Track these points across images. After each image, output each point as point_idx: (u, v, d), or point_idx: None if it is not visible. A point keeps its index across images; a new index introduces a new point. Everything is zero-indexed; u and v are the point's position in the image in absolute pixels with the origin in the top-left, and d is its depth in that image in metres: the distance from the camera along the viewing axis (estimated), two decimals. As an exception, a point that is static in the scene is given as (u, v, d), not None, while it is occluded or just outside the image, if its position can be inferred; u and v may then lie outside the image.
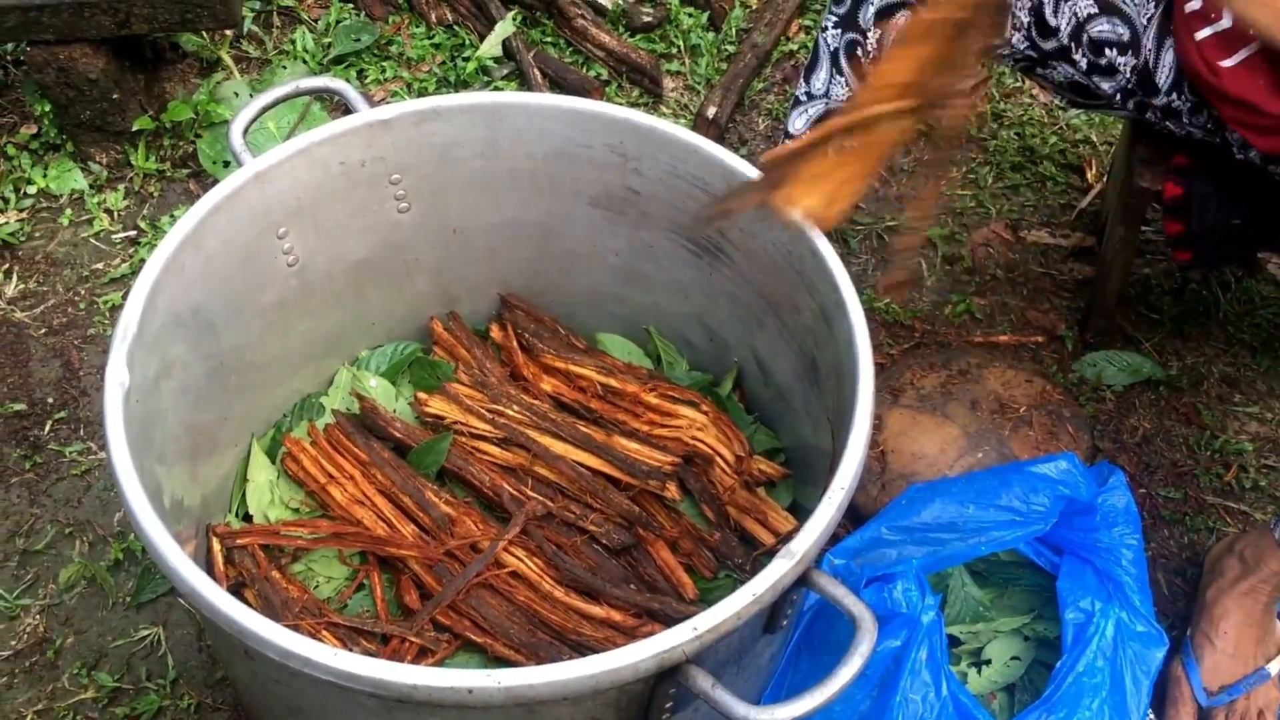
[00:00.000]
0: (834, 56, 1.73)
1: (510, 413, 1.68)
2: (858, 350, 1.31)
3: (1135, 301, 2.21)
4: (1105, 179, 2.36)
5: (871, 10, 1.68)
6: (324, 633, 1.43)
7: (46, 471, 1.93)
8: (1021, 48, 1.72)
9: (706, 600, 1.56)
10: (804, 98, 1.79)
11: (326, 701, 1.19)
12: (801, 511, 1.70)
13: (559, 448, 1.63)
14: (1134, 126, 1.88)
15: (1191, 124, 1.71)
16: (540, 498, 1.61)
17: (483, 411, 1.68)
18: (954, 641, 1.66)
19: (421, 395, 1.72)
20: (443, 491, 1.62)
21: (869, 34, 1.71)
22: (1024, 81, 2.59)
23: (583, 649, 1.45)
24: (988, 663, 1.65)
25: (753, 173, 1.49)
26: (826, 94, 1.76)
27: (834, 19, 1.72)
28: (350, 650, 1.20)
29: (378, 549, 1.54)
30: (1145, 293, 2.23)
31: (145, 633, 1.76)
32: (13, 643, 1.75)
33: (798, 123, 1.80)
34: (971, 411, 1.94)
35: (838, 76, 1.74)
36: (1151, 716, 1.67)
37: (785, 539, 1.41)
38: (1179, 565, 1.90)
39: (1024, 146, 2.47)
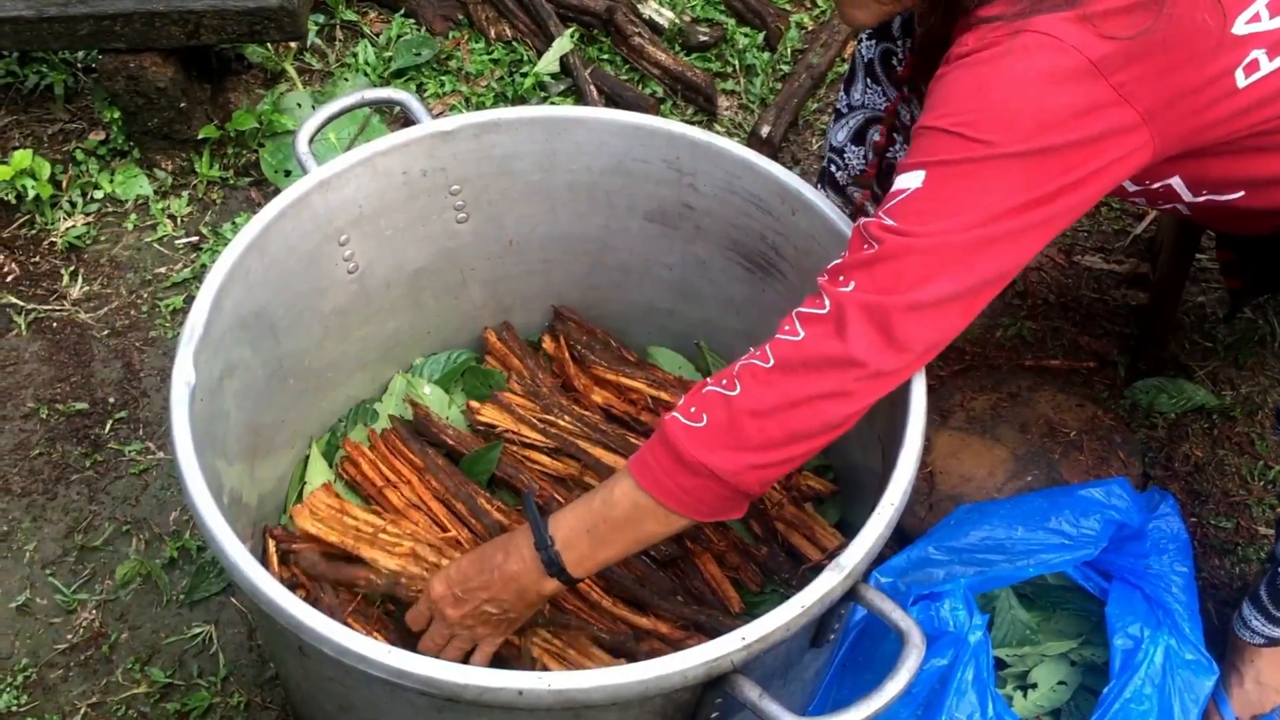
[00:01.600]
0: (869, 67, 1.74)
1: (562, 423, 1.69)
2: (910, 368, 1.31)
3: (1189, 329, 2.19)
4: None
5: (898, 20, 1.69)
6: (375, 633, 1.45)
7: (106, 470, 1.97)
8: None
9: (752, 615, 1.56)
10: (845, 109, 1.81)
11: (378, 699, 1.21)
12: (849, 530, 1.70)
13: (610, 459, 1.64)
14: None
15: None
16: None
17: (534, 421, 1.70)
18: (1000, 664, 1.66)
19: (474, 404, 1.74)
20: (494, 499, 1.64)
21: (900, 41, 1.72)
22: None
23: (628, 658, 1.46)
24: (1034, 686, 1.64)
25: (805, 189, 1.50)
26: (864, 104, 1.78)
27: (868, 30, 1.74)
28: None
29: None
30: (1199, 320, 2.21)
31: (198, 630, 1.79)
32: (69, 636, 1.79)
33: (839, 135, 1.82)
34: (1021, 435, 1.93)
35: (873, 86, 1.76)
36: (1199, 745, 1.65)
37: (833, 554, 1.41)
38: (1229, 595, 1.87)
39: (1079, 171, 2.46)
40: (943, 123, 1.17)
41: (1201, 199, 1.38)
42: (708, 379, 1.25)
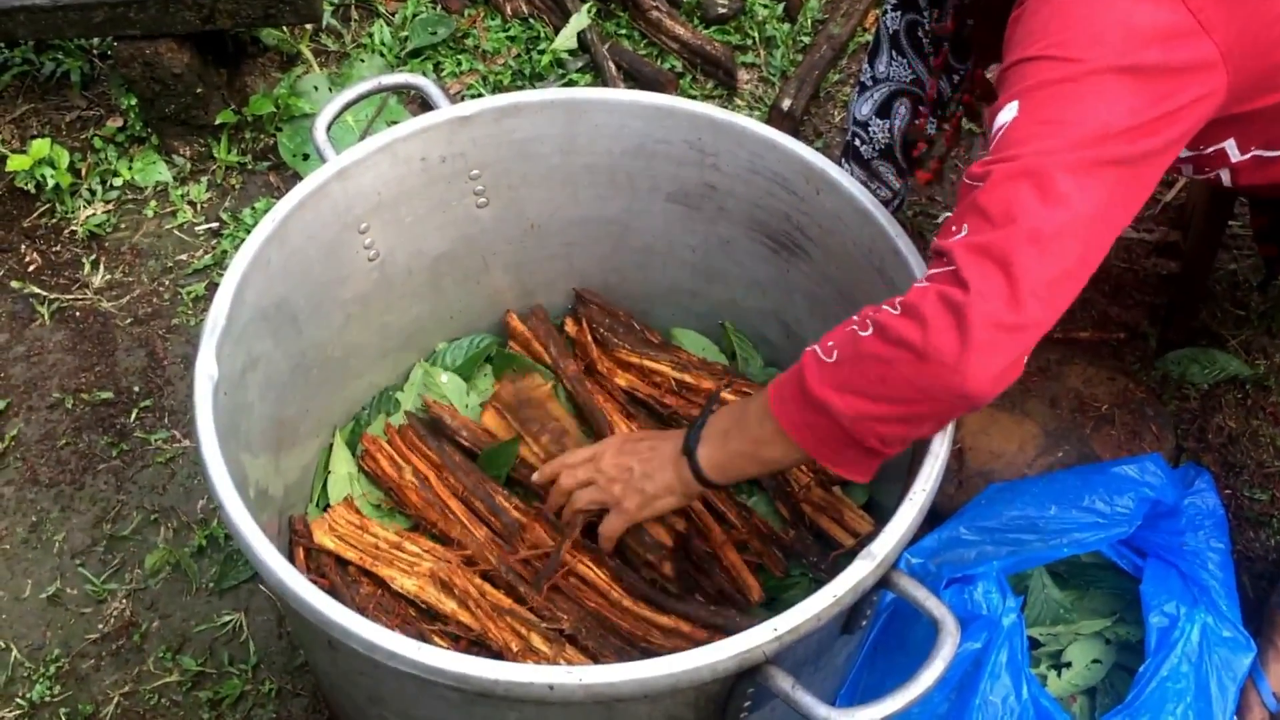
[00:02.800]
0: (894, 39, 1.71)
1: (543, 441, 1.68)
2: (940, 349, 1.29)
3: (1221, 298, 2.16)
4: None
5: None
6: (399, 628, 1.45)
7: (133, 459, 1.98)
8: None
9: (777, 599, 1.55)
10: (869, 82, 1.78)
11: (407, 693, 1.21)
12: (878, 509, 1.68)
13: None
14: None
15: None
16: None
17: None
18: (1034, 644, 1.64)
19: (499, 384, 1.73)
20: (512, 497, 1.63)
21: (926, 12, 1.69)
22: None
23: (652, 656, 1.44)
24: (1068, 665, 1.63)
25: (830, 168, 1.48)
26: (889, 77, 1.75)
27: (894, 1, 1.71)
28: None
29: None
30: (1232, 289, 2.17)
31: (228, 618, 1.80)
32: (100, 626, 1.80)
33: (864, 108, 1.79)
34: (1051, 409, 1.91)
35: (899, 58, 1.73)
36: (1237, 723, 1.64)
37: (864, 540, 1.40)
38: (1266, 568, 1.85)
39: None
40: (1028, 52, 1.14)
41: (1248, 156, 1.35)
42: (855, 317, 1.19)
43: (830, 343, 1.18)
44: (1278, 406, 2.02)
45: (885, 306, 1.14)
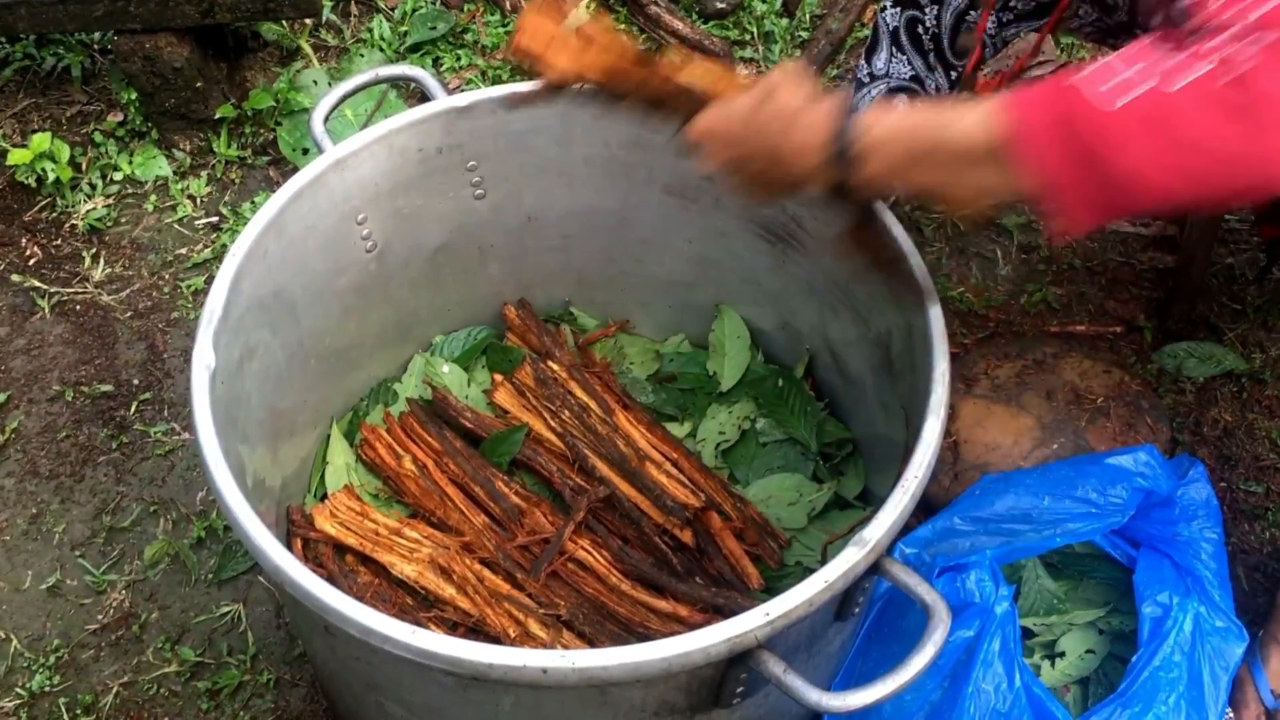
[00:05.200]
0: (894, 35, 1.71)
1: (563, 416, 1.68)
2: (933, 338, 1.30)
3: (1217, 291, 2.16)
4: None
5: None
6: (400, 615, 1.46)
7: (132, 451, 1.99)
8: (1090, 18, 1.69)
9: (773, 590, 1.56)
10: (866, 78, 1.78)
11: (403, 678, 1.22)
12: (873, 499, 1.69)
13: (604, 468, 1.64)
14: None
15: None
16: (602, 484, 1.62)
17: (542, 410, 1.70)
18: (1027, 634, 1.65)
19: (497, 377, 1.74)
20: (513, 482, 1.64)
21: (927, 9, 1.69)
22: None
23: (649, 641, 1.46)
24: (1061, 655, 1.63)
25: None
26: (887, 73, 1.75)
27: None
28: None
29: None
30: (1228, 282, 2.18)
31: (226, 609, 1.81)
32: (100, 617, 1.81)
33: (861, 105, 1.79)
34: (1047, 402, 1.91)
35: (899, 55, 1.73)
36: (1230, 714, 1.64)
37: (859, 526, 1.41)
38: (1260, 560, 1.86)
39: (1103, 133, 2.43)
40: None
41: None
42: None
43: (1109, 84, 0.99)
44: (1273, 400, 2.03)
45: (1194, 61, 0.96)
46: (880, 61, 1.75)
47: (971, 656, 1.41)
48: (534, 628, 1.43)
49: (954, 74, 1.76)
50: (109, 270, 2.23)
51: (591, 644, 1.45)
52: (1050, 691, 1.43)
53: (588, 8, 1.35)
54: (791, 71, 1.19)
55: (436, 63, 2.56)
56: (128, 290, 2.20)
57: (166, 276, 2.22)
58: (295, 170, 2.31)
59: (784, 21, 2.61)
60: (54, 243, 2.27)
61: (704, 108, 1.25)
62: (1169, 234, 2.25)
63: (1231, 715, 1.64)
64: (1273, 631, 1.66)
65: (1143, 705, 1.45)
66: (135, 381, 2.07)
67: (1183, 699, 1.46)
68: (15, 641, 1.78)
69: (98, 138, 2.40)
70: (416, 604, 1.52)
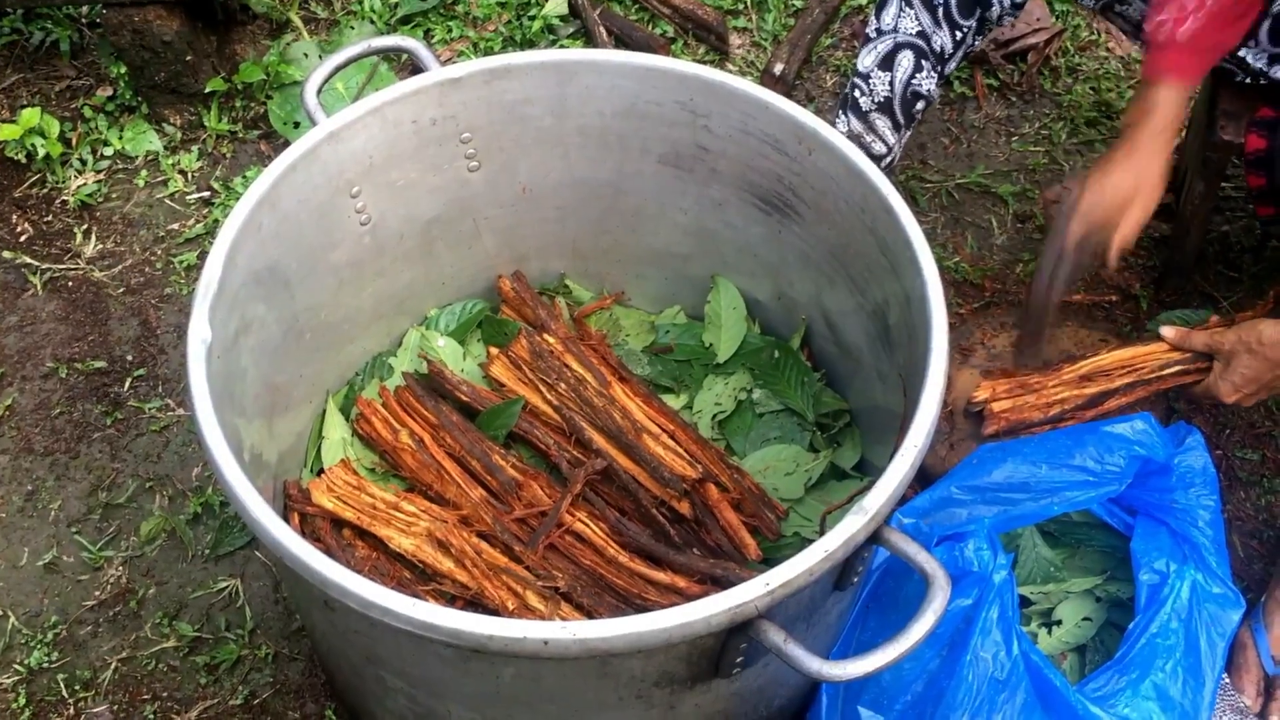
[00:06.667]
0: None
1: (560, 389, 1.68)
2: (930, 308, 1.30)
3: (1214, 259, 2.16)
4: (1185, 133, 2.30)
5: None
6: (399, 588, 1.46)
7: (127, 427, 1.98)
8: None
9: (771, 561, 1.56)
10: (873, 34, 1.79)
11: (403, 651, 1.22)
12: (870, 469, 1.69)
13: (600, 440, 1.63)
14: (1215, 78, 1.84)
15: (1272, 73, 1.68)
16: (599, 457, 1.61)
17: (538, 383, 1.69)
18: (1025, 602, 1.66)
19: (492, 350, 1.74)
20: (509, 455, 1.64)
21: None
22: (1100, 34, 2.53)
23: (647, 612, 1.46)
24: (1059, 623, 1.64)
25: (822, 128, 1.48)
26: (895, 29, 1.76)
27: None
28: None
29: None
30: (1224, 250, 2.18)
31: (224, 584, 1.81)
32: (97, 593, 1.81)
33: (866, 60, 1.80)
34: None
35: (906, 10, 1.75)
36: (1226, 679, 1.65)
37: (857, 496, 1.41)
38: (1256, 528, 1.86)
39: (1099, 101, 2.42)
40: None
41: None
42: None
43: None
44: (1269, 367, 2.03)
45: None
46: (889, 17, 1.77)
47: (969, 625, 1.41)
48: (532, 600, 1.43)
49: (959, 34, 1.77)
50: (100, 246, 2.22)
51: (590, 616, 1.45)
52: (1048, 659, 1.43)
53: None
54: (1260, 322, 1.65)
55: (428, 35, 2.54)
56: (120, 266, 2.19)
57: (159, 252, 2.21)
58: (286, 144, 2.29)
59: (778, -9, 2.60)
60: (45, 219, 2.26)
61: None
62: (1165, 202, 2.23)
63: (1229, 680, 1.65)
64: (1276, 596, 1.66)
65: (1140, 672, 1.45)
66: (129, 358, 2.06)
67: (1180, 665, 1.46)
68: (13, 618, 1.78)
69: (87, 112, 2.38)
70: (414, 577, 1.52)
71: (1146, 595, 1.52)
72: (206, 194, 2.29)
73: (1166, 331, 1.77)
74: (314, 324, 1.60)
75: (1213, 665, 1.51)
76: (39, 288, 2.16)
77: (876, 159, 1.87)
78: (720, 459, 1.66)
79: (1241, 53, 1.72)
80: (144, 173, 2.32)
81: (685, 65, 1.55)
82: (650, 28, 2.53)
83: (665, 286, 1.87)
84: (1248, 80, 1.76)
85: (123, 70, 2.34)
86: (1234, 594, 1.55)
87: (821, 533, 1.16)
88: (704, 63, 2.47)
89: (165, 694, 1.72)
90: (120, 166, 2.33)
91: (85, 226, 2.24)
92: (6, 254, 2.20)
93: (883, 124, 1.83)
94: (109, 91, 2.40)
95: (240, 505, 1.16)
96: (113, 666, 1.74)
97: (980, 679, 1.40)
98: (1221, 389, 1.69)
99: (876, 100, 1.81)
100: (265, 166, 1.44)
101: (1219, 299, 2.10)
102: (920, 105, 1.83)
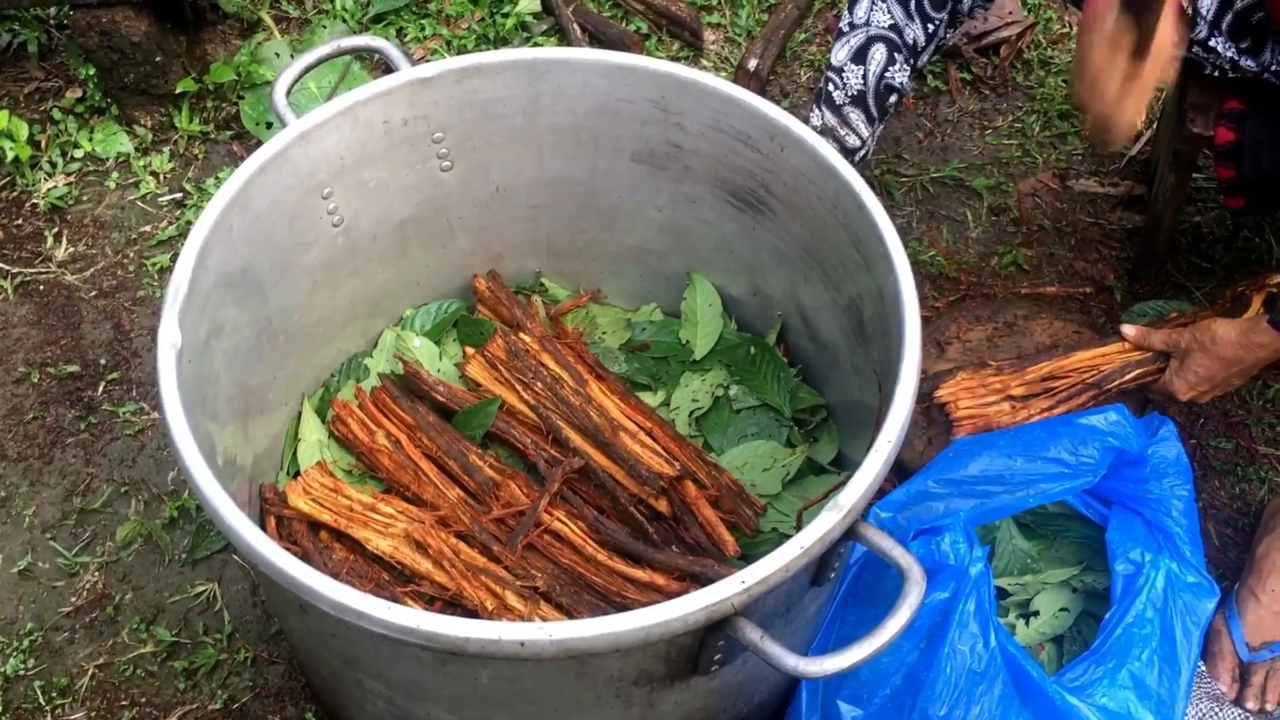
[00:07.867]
0: None
1: (536, 388, 1.67)
2: (904, 303, 1.30)
3: (1186, 250, 2.17)
4: (1155, 125, 2.31)
5: None
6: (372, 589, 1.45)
7: (101, 432, 1.97)
8: None
9: (750, 557, 1.56)
10: (846, 28, 1.80)
11: (381, 654, 1.21)
12: (847, 464, 1.70)
13: (578, 439, 1.63)
14: (1185, 70, 1.85)
15: (1242, 64, 1.69)
16: (576, 455, 1.61)
17: (514, 382, 1.69)
18: (1002, 593, 1.66)
19: (469, 350, 1.73)
20: (487, 455, 1.63)
21: None
22: (1071, 27, 2.54)
23: (627, 610, 1.46)
24: (1036, 614, 1.65)
25: (794, 125, 1.48)
26: (867, 23, 1.77)
27: None
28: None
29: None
30: (1196, 241, 2.19)
31: (201, 588, 1.80)
32: (73, 599, 1.79)
33: (840, 53, 1.81)
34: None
35: (879, 3, 1.75)
36: (1202, 667, 1.66)
37: (833, 491, 1.41)
38: (1230, 516, 1.88)
39: (1071, 94, 2.43)
40: None
41: None
42: None
43: None
44: (1241, 356, 2.04)
45: None
46: (861, 11, 1.78)
47: (947, 618, 1.42)
48: (512, 600, 1.43)
49: (930, 26, 1.77)
50: (72, 249, 2.20)
51: (570, 615, 1.45)
52: (1025, 650, 1.44)
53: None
54: (1213, 321, 1.69)
55: (400, 33, 2.53)
56: (92, 269, 2.18)
57: (131, 254, 2.19)
58: (259, 145, 2.28)
59: (750, -14, 2.59)
60: (15, 222, 2.24)
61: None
62: (1137, 194, 2.26)
63: (1204, 669, 1.66)
64: (1249, 584, 1.68)
65: (1116, 661, 1.46)
66: (102, 361, 2.05)
67: (1155, 654, 1.47)
68: (-12, 626, 1.77)
69: (56, 115, 2.36)
70: (393, 579, 1.51)
71: (1122, 585, 1.53)
72: (179, 195, 2.28)
73: (1128, 330, 1.79)
74: (288, 326, 1.59)
75: (1188, 654, 1.52)
76: (10, 292, 2.14)
77: (851, 152, 1.87)
78: (698, 456, 1.66)
79: (1213, 42, 1.72)
80: (115, 175, 2.30)
81: (657, 63, 1.55)
82: (624, 24, 2.52)
83: (641, 284, 1.87)
84: (1217, 73, 1.77)
85: (92, 72, 2.32)
86: (1208, 583, 1.56)
87: (799, 528, 1.16)
88: (678, 59, 2.47)
89: (143, 700, 1.71)
90: (91, 169, 2.32)
91: (56, 229, 2.22)
92: (-23, 258, 2.19)
93: (856, 117, 1.84)
94: (78, 93, 2.38)
95: (212, 510, 1.16)
96: (90, 673, 1.73)
97: (958, 671, 1.40)
98: (1177, 386, 1.74)
99: (850, 94, 1.82)
100: (237, 167, 1.44)
101: (1192, 289, 2.12)
102: (893, 98, 1.84)
